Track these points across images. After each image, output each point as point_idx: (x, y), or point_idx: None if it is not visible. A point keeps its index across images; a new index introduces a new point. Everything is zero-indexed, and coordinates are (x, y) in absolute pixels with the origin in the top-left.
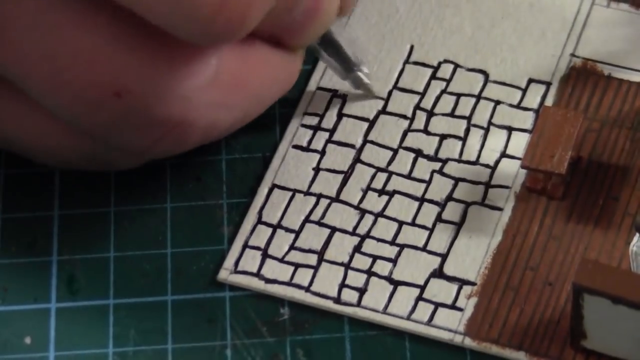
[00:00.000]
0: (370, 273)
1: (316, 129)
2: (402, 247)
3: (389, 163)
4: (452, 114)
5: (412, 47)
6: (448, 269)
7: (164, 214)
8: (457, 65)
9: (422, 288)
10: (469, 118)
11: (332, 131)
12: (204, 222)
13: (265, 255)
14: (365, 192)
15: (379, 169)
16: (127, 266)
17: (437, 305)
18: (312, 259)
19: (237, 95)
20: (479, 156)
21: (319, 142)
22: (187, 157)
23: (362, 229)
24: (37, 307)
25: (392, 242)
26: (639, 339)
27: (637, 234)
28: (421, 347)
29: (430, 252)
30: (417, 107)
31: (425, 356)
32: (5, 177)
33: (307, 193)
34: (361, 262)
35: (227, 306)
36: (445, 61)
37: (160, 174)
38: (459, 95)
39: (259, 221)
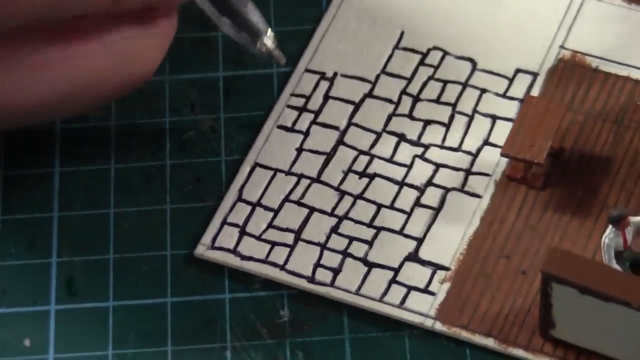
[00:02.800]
0: (345, 254)
1: (302, 110)
2: (379, 229)
3: (372, 146)
4: (437, 101)
5: (402, 33)
6: (423, 254)
7: (163, 215)
8: (446, 53)
9: (396, 271)
10: (454, 105)
11: (317, 113)
12: (203, 223)
13: (243, 232)
14: (346, 174)
15: (361, 152)
16: (127, 268)
17: (410, 288)
18: (289, 238)
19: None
20: (461, 143)
21: (303, 123)
22: (187, 159)
23: (341, 210)
24: (36, 309)
25: (370, 225)
26: (606, 330)
27: (610, 227)
28: (421, 348)
29: (406, 236)
30: (404, 92)
31: (425, 358)
32: (4, 179)
33: (289, 173)
34: (337, 242)
35: (227, 308)
36: (435, 48)
37: (160, 176)
38: (445, 82)
39: (239, 199)
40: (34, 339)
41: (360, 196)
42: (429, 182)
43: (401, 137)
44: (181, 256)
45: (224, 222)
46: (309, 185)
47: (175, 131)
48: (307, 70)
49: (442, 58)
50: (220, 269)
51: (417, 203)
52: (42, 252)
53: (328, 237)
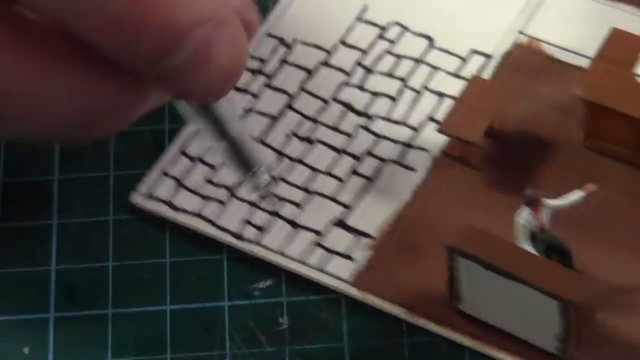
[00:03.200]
0: (275, 214)
1: (256, 72)
2: (312, 194)
3: (318, 113)
4: (389, 74)
5: (365, 6)
6: (350, 221)
7: (163, 223)
8: (405, 29)
9: (322, 235)
10: (404, 80)
11: (270, 77)
12: (202, 231)
13: (181, 185)
14: (289, 138)
15: (307, 118)
16: (126, 275)
17: (333, 253)
18: (224, 195)
19: None
20: (406, 118)
21: (255, 86)
22: None
23: (277, 172)
24: (35, 317)
25: (303, 188)
26: (509, 308)
27: (525, 207)
28: (422, 356)
29: (337, 202)
30: (358, 63)
31: None
32: (3, 186)
33: None
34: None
35: (226, 315)
36: (395, 23)
37: None
38: (400, 57)
39: (182, 152)
40: (33, 346)
41: (298, 160)
42: (368, 153)
43: (348, 107)
44: (180, 264)
45: (163, 174)
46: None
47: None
48: (268, 35)
49: (401, 33)
50: (220, 276)
51: (354, 172)
52: (41, 259)
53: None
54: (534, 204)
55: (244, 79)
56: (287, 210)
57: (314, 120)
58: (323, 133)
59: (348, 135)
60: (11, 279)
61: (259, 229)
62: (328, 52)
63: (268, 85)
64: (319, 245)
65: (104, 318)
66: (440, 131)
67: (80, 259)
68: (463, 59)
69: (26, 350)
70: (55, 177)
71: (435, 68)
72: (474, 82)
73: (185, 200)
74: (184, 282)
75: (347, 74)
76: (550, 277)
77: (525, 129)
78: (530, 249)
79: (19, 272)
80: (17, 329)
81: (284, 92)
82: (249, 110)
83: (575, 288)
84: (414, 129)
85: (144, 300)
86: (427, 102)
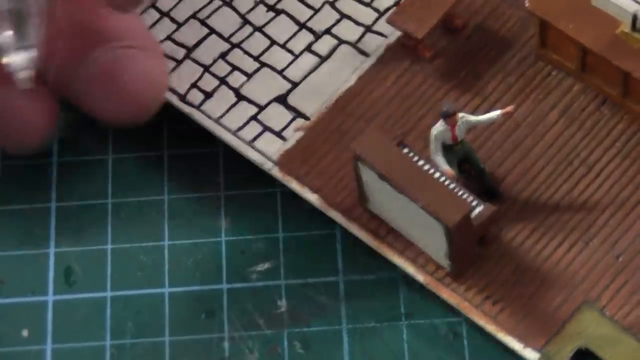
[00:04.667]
0: (223, 81)
1: None
2: (263, 65)
3: None
4: None
5: None
6: (292, 99)
7: (161, 205)
8: None
9: (261, 109)
10: None
11: None
12: (201, 214)
13: None
14: (256, 5)
15: None
16: (124, 258)
17: (266, 129)
18: (180, 54)
19: None
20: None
21: None
22: (185, 149)
23: (237, 38)
24: (34, 300)
25: (256, 58)
26: (405, 217)
27: (441, 119)
28: (419, 341)
29: (284, 77)
30: None
31: (423, 350)
32: (1, 169)
33: None
34: (220, 68)
35: (225, 299)
36: None
37: (158, 166)
38: None
39: (152, 5)
40: (31, 329)
41: (259, 28)
42: (327, 31)
43: None
44: (178, 246)
45: None
46: (219, 7)
47: (174, 122)
48: None
49: None
50: (219, 260)
51: (308, 48)
52: (39, 242)
53: (215, 61)
54: (449, 117)
55: None
56: (235, 78)
57: None
58: (290, 4)
59: (313, 9)
60: (10, 261)
61: (205, 94)
62: None
63: None
64: (256, 119)
65: (103, 301)
66: (388, 21)
67: (79, 242)
68: None
69: (25, 332)
70: (54, 159)
71: None
72: None
73: None
74: (183, 265)
75: None
76: (436, 199)
77: (487, 27)
78: (442, 161)
79: (17, 255)
80: (16, 312)
81: None
82: None
83: (456, 213)
84: (378, 12)
85: (143, 283)
86: None
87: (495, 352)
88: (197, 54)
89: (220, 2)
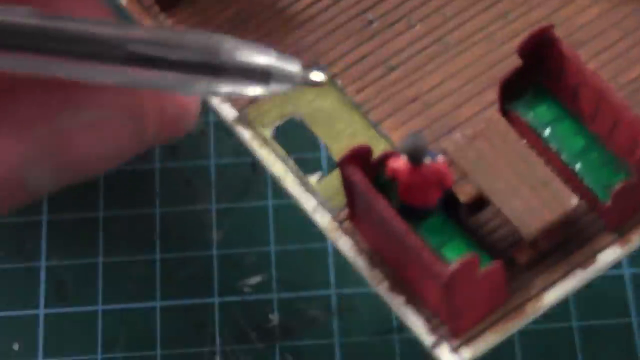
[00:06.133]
0: None
1: None
2: None
3: None
4: None
5: None
6: None
7: (152, 219)
8: None
9: None
10: None
11: None
12: (193, 227)
13: None
14: None
15: None
16: (116, 272)
17: None
18: None
19: None
20: None
21: None
22: (177, 162)
23: None
24: (25, 313)
25: None
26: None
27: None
28: (412, 355)
29: None
30: None
31: None
32: None
33: None
34: None
35: (217, 312)
36: None
37: (149, 179)
38: None
39: None
40: (22, 343)
41: None
42: None
43: None
44: (170, 260)
45: None
46: None
47: None
48: None
49: None
50: (210, 273)
51: None
52: (31, 255)
53: None
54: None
55: None
56: None
57: None
58: None
59: None
60: (0, 274)
61: None
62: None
63: None
64: None
65: (94, 314)
66: None
67: (71, 255)
68: None
69: (15, 346)
70: None
71: None
72: None
73: None
74: (174, 279)
75: None
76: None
77: None
78: None
79: (8, 268)
80: (7, 325)
81: None
82: None
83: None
84: None
85: (134, 297)
86: None
87: None
88: None
89: None
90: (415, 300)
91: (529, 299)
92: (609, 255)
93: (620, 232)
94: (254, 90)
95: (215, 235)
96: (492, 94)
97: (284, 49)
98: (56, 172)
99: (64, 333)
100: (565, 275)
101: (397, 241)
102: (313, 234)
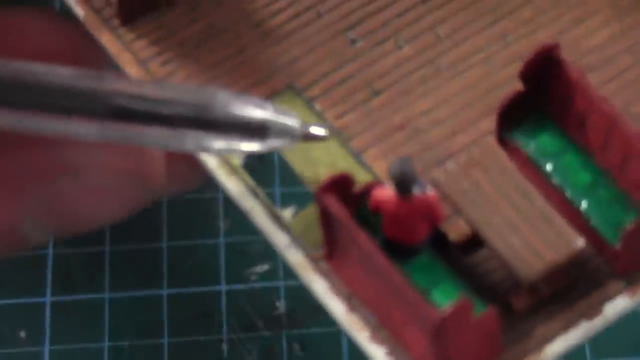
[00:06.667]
0: None
1: None
2: None
3: None
4: None
5: None
6: None
7: (160, 207)
8: None
9: None
10: None
11: None
12: (200, 215)
13: None
14: None
15: None
16: (123, 260)
17: None
18: None
19: None
20: None
21: None
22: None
23: None
24: (32, 301)
25: None
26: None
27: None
28: None
29: None
30: None
31: None
32: None
33: None
34: None
35: (223, 300)
36: None
37: None
38: None
39: None
40: (29, 330)
41: None
42: None
43: None
44: (177, 248)
45: None
46: None
47: None
48: None
49: None
50: (217, 261)
51: None
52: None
53: None
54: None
55: None
56: None
57: None
58: None
59: None
60: (7, 262)
61: None
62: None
63: None
64: None
65: (101, 302)
66: None
67: (77, 243)
68: None
69: (22, 333)
70: None
71: None
72: None
73: None
74: (181, 267)
75: None
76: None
77: None
78: None
79: (15, 256)
80: (14, 313)
81: None
82: None
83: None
84: None
85: (141, 285)
86: None
87: None
88: None
89: None
90: (398, 351)
91: (528, 352)
92: (618, 305)
93: (630, 279)
94: (250, 146)
95: (222, 224)
96: (489, 122)
97: (259, 67)
98: (56, 227)
99: (71, 321)
100: (567, 326)
101: (380, 281)
102: None
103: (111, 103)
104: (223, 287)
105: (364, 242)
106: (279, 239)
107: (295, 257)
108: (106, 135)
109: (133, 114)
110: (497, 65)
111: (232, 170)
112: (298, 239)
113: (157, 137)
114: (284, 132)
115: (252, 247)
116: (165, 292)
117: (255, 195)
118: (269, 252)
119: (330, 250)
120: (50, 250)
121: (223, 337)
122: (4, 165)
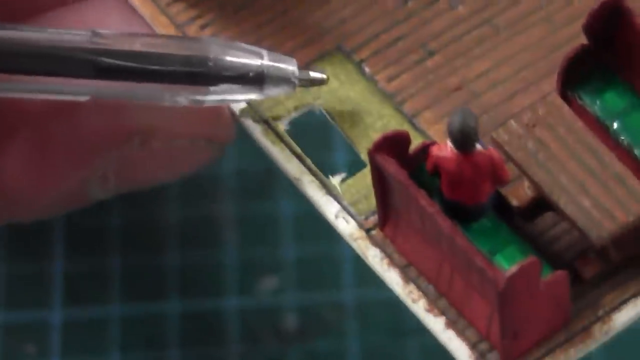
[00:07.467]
0: None
1: None
2: None
3: None
4: None
5: None
6: None
7: (168, 221)
8: None
9: None
10: None
11: None
12: (208, 229)
13: None
14: None
15: None
16: (133, 275)
17: None
18: None
19: None
20: None
21: None
22: None
23: None
24: (40, 316)
25: None
26: None
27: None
28: (428, 356)
29: None
30: None
31: None
32: None
33: None
34: None
35: (232, 315)
36: None
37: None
38: None
39: None
40: (38, 346)
41: None
42: None
43: None
44: (186, 262)
45: None
46: None
47: None
48: None
49: None
50: (225, 275)
51: None
52: (47, 258)
53: None
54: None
55: None
56: None
57: None
58: None
59: None
60: (15, 276)
61: None
62: None
63: None
64: None
65: (110, 317)
66: None
67: (86, 257)
68: None
69: (31, 349)
70: None
71: None
72: None
73: None
74: (190, 281)
75: None
76: None
77: None
78: None
79: (24, 271)
80: (22, 328)
81: None
82: None
83: None
84: None
85: (150, 300)
86: None
87: None
88: None
89: None
90: (458, 322)
91: (596, 320)
92: None
93: None
94: (246, 96)
95: (230, 238)
96: (551, 83)
97: (305, 29)
98: (120, 186)
99: (80, 337)
100: (638, 294)
101: (441, 246)
102: (330, 236)
103: (103, 61)
104: (231, 302)
105: (425, 202)
106: (329, 208)
107: (347, 227)
108: (98, 93)
109: (123, 71)
110: (558, 24)
111: (277, 136)
112: (349, 207)
113: (150, 93)
114: (281, 79)
115: (262, 261)
116: (174, 306)
117: (302, 162)
118: (279, 267)
119: (385, 218)
120: (58, 264)
121: (231, 351)
122: (68, 132)
